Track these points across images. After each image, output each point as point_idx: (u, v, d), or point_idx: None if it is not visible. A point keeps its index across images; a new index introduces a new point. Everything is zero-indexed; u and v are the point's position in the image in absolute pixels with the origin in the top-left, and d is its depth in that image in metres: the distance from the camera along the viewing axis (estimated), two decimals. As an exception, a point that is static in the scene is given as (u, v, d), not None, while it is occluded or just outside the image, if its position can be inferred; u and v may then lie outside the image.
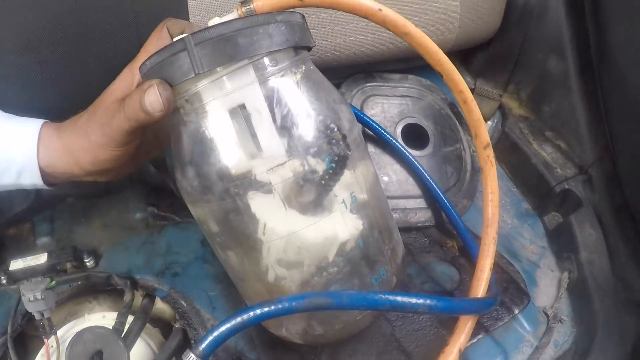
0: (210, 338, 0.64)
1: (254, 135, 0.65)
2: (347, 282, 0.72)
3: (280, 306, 0.65)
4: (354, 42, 1.14)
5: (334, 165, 0.67)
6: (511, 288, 0.99)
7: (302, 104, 0.67)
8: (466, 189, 1.16)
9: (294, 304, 0.65)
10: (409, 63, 1.28)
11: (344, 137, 0.69)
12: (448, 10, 1.21)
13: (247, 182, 0.65)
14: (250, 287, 0.78)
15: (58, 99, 0.97)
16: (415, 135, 1.18)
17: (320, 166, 0.66)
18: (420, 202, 1.10)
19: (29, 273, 0.99)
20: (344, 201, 0.69)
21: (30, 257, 1.01)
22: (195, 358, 0.69)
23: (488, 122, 1.36)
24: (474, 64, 1.43)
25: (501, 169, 1.29)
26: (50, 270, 0.99)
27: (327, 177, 0.67)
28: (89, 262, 1.01)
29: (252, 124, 0.65)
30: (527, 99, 1.34)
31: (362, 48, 1.16)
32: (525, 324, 0.96)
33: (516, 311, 0.95)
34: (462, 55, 1.43)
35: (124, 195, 1.13)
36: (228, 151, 0.65)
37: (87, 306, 1.02)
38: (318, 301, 0.66)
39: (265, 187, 0.65)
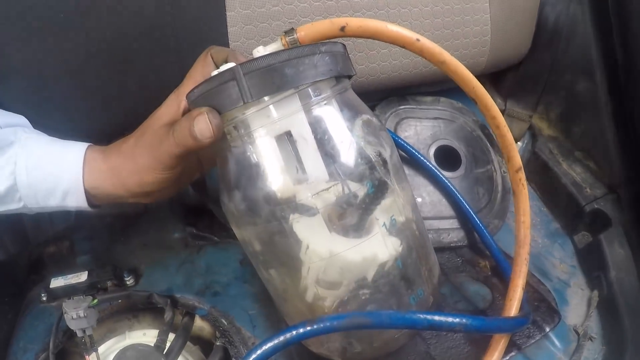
0: (253, 356, 0.65)
1: (299, 161, 0.67)
2: (385, 301, 0.74)
3: (322, 325, 0.67)
4: (388, 67, 1.16)
5: (375, 189, 0.69)
6: (542, 307, 0.99)
7: (345, 131, 0.70)
8: (497, 209, 1.17)
9: (335, 323, 0.67)
10: (440, 85, 1.30)
11: (385, 162, 0.71)
12: (479, 34, 1.23)
13: (292, 205, 0.67)
14: (291, 305, 0.80)
15: (100, 123, 1.00)
16: (447, 157, 1.20)
17: (362, 191, 0.69)
18: (453, 223, 1.12)
19: (69, 291, 1.01)
20: (384, 224, 0.71)
21: (71, 275, 1.03)
22: (238, 376, 0.71)
23: (518, 142, 1.38)
24: (504, 85, 1.44)
25: (531, 189, 1.30)
26: (90, 288, 1.01)
27: (368, 201, 0.69)
28: (129, 281, 1.04)
29: (298, 150, 0.67)
30: (557, 120, 1.34)
31: (396, 72, 1.18)
32: (557, 342, 0.97)
33: (547, 329, 0.96)
34: (492, 77, 1.44)
35: (163, 215, 1.16)
36: (274, 176, 0.68)
37: (127, 323, 1.04)
38: (359, 320, 0.67)
39: (309, 211, 0.68)
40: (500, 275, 1.04)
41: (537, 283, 1.05)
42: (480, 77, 0.87)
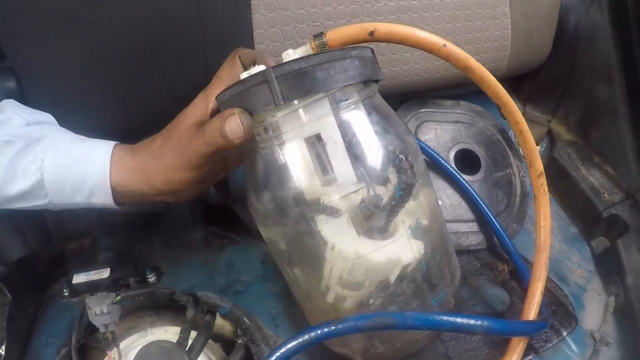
0: (277, 354, 0.66)
1: (329, 164, 0.68)
2: (407, 303, 0.75)
3: (347, 325, 0.68)
4: (410, 70, 1.17)
5: (401, 193, 0.70)
6: (560, 311, 1.00)
7: (373, 135, 0.71)
8: (516, 213, 1.17)
9: (360, 323, 0.68)
10: (460, 89, 1.31)
11: (411, 166, 0.73)
12: (500, 38, 1.23)
13: (320, 207, 0.68)
14: (314, 305, 0.81)
15: (126, 122, 1.01)
16: (467, 160, 1.21)
17: (388, 194, 0.70)
18: (472, 226, 1.12)
19: (92, 287, 1.02)
20: (410, 227, 0.72)
21: (93, 272, 1.04)
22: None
23: (537, 147, 1.38)
24: (524, 89, 1.45)
25: (549, 193, 1.30)
26: (112, 285, 1.03)
27: (394, 204, 0.70)
28: (151, 278, 1.05)
29: (327, 153, 0.68)
30: (576, 125, 1.35)
31: (418, 75, 1.19)
32: (574, 346, 0.97)
33: (565, 334, 0.96)
34: (512, 81, 1.45)
35: (184, 214, 1.17)
36: (303, 178, 0.69)
37: (149, 320, 1.04)
38: (383, 321, 0.68)
39: (336, 213, 0.69)
40: (519, 279, 1.04)
41: (555, 287, 1.06)
42: (500, 81, 0.88)
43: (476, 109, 1.30)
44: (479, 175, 1.18)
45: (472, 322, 0.72)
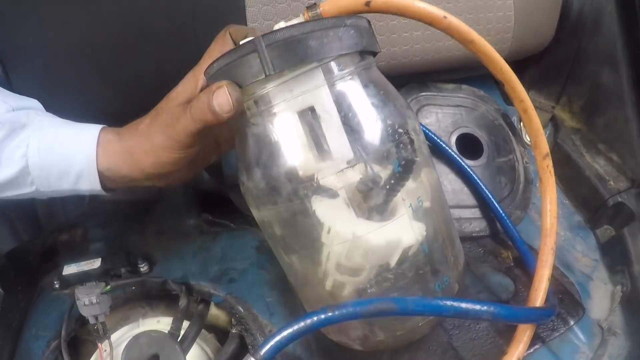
0: (272, 342, 0.63)
1: (322, 138, 0.65)
2: (408, 288, 0.71)
3: (345, 311, 0.64)
4: (409, 51, 1.14)
5: (401, 169, 0.67)
6: (566, 299, 0.97)
7: (370, 108, 0.67)
8: (520, 200, 1.14)
9: (359, 309, 0.65)
10: (461, 73, 1.28)
11: (411, 141, 0.69)
12: (502, 20, 1.20)
13: (315, 185, 0.65)
14: (311, 292, 0.78)
15: (114, 105, 0.99)
16: (469, 145, 1.17)
17: (387, 170, 0.66)
18: (475, 212, 1.09)
19: (83, 278, 1.00)
20: (411, 205, 0.68)
21: (84, 262, 1.02)
22: (255, 363, 0.68)
23: (540, 131, 1.35)
24: (527, 75, 1.41)
25: (553, 181, 1.27)
26: (104, 276, 1.00)
27: (393, 181, 0.67)
28: (143, 268, 1.02)
29: (322, 126, 0.65)
30: (580, 111, 1.32)
31: (418, 57, 1.16)
32: (581, 336, 0.94)
33: (572, 322, 0.94)
34: (515, 66, 1.38)
35: (178, 202, 1.14)
36: (296, 153, 0.66)
37: (141, 311, 1.02)
38: (384, 306, 0.65)
39: (331, 191, 0.65)
40: (524, 266, 1.01)
41: (561, 275, 1.03)
42: None
43: (478, 93, 1.27)
44: (482, 160, 1.15)
45: (477, 307, 0.68)
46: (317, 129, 0.65)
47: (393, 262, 0.69)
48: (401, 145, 0.67)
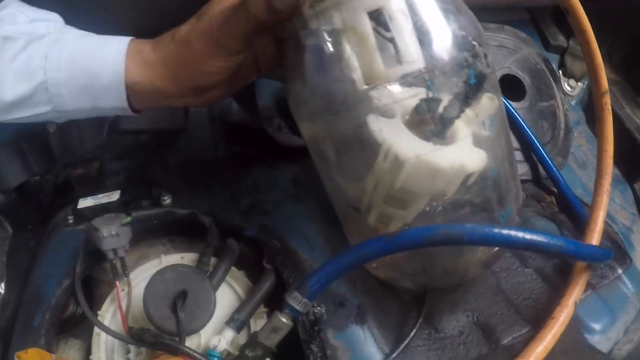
0: (319, 275, 0.60)
1: (392, 42, 0.59)
2: (471, 218, 0.67)
3: (405, 240, 0.60)
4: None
5: (476, 81, 0.61)
6: (613, 247, 0.94)
7: (444, 15, 0.61)
8: (560, 146, 1.11)
9: (422, 236, 0.60)
10: (503, 15, 1.24)
11: (485, 55, 0.63)
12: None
13: (376, 98, 0.59)
14: (355, 225, 0.73)
15: (142, 19, 0.92)
16: (510, 86, 1.13)
17: (461, 81, 0.61)
18: (518, 155, 1.05)
19: (100, 212, 0.92)
20: (483, 123, 0.63)
21: (102, 195, 0.95)
22: (301, 298, 0.64)
23: (579, 83, 1.31)
24: (567, 22, 1.38)
25: (591, 133, 1.23)
26: (123, 209, 0.92)
27: (467, 95, 0.61)
28: (166, 201, 0.95)
29: (391, 30, 0.59)
30: (619, 63, 1.29)
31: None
32: (629, 284, 0.92)
33: (620, 271, 0.92)
34: (556, 13, 1.37)
35: (203, 134, 1.07)
36: (362, 58, 0.60)
37: (161, 248, 0.96)
38: (450, 233, 0.60)
39: (391, 109, 0.60)
40: (569, 211, 0.99)
41: (606, 224, 0.98)
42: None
43: (521, 35, 1.23)
44: (524, 102, 1.11)
45: (546, 240, 0.63)
46: (387, 33, 0.59)
47: (451, 191, 0.64)
48: (476, 56, 0.62)
